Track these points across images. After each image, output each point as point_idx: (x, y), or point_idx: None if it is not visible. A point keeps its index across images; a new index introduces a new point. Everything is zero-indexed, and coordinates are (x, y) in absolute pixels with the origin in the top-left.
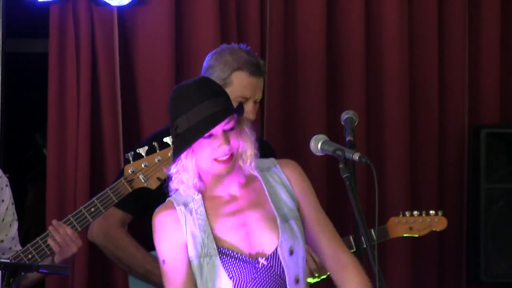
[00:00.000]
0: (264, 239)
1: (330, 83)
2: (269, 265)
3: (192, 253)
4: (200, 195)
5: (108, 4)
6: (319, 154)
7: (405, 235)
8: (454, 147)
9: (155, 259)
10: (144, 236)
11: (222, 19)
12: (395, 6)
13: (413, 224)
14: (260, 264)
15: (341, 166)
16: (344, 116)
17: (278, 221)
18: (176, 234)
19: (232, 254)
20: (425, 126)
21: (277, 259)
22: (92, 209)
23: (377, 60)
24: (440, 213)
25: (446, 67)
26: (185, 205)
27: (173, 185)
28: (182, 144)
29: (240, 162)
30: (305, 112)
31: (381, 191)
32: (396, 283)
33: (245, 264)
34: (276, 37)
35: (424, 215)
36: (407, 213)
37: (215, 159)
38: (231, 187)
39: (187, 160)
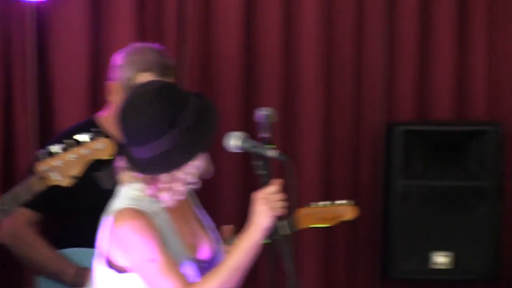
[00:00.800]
0: (203, 244)
1: (247, 82)
2: (206, 269)
3: None
4: (159, 203)
5: None
6: (236, 151)
7: (314, 225)
8: (369, 144)
9: (67, 259)
10: (53, 236)
11: (140, 16)
12: (314, 6)
13: (322, 214)
14: (203, 268)
15: (257, 163)
16: (261, 113)
17: (208, 227)
18: (157, 236)
19: (194, 260)
20: (341, 123)
21: (212, 263)
22: (2, 208)
23: (294, 59)
24: (349, 202)
25: (363, 65)
26: (154, 213)
27: (160, 190)
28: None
29: None
30: (222, 110)
31: (296, 188)
32: (308, 279)
33: (201, 269)
34: (194, 35)
35: (333, 205)
36: (316, 204)
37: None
38: None
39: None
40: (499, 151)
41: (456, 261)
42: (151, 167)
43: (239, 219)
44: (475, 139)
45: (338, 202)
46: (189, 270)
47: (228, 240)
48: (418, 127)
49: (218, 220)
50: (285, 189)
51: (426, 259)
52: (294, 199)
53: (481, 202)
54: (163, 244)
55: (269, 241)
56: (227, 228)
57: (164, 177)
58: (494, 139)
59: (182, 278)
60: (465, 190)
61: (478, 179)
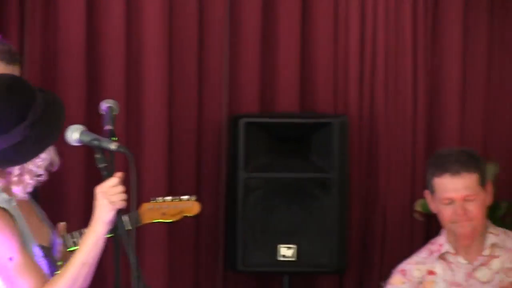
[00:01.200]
0: (45, 232)
1: (90, 75)
2: (52, 256)
3: None
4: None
5: None
6: (76, 144)
7: (157, 220)
8: (213, 136)
9: None
10: None
11: None
12: (156, 1)
13: (166, 210)
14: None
15: (98, 156)
16: (104, 105)
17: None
18: (17, 235)
19: (45, 249)
20: (184, 116)
21: (54, 249)
22: None
23: (137, 51)
24: (192, 198)
25: (205, 58)
26: (12, 210)
27: (11, 183)
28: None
29: None
30: (65, 104)
31: (139, 180)
32: (152, 273)
33: (50, 257)
34: (35, 28)
35: (176, 200)
36: (160, 199)
37: None
38: None
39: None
40: (344, 143)
41: (301, 253)
42: (1, 161)
43: (86, 214)
44: (320, 131)
45: (181, 197)
46: (44, 266)
47: (63, 237)
48: (261, 119)
49: (65, 216)
50: (126, 182)
51: (272, 252)
52: (135, 192)
53: (326, 194)
54: (23, 243)
55: (111, 235)
56: (62, 225)
57: (14, 170)
58: (339, 131)
59: (40, 278)
60: (310, 182)
61: (323, 171)
